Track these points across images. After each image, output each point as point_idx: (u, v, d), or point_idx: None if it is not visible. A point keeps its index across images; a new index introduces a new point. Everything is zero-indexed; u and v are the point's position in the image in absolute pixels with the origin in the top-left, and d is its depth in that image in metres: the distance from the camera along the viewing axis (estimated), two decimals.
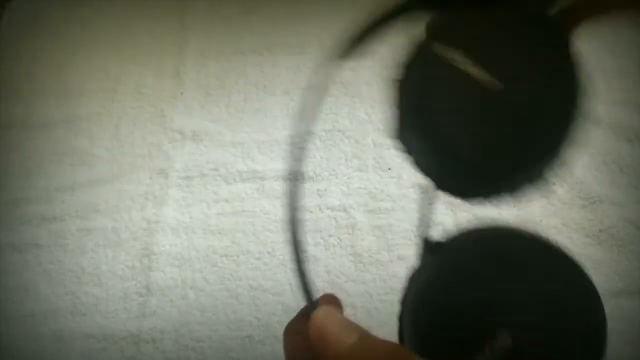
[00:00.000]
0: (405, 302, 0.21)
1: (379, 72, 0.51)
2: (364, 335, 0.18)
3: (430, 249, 0.21)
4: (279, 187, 0.49)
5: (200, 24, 0.70)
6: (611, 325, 0.47)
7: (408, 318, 0.21)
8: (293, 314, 0.46)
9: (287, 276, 0.44)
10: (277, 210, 0.47)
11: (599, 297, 0.20)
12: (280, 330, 0.47)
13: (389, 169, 0.48)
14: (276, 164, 0.50)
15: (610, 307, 0.47)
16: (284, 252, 0.45)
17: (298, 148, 0.22)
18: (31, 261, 0.45)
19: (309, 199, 0.48)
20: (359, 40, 0.21)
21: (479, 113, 0.18)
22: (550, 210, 0.47)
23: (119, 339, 0.42)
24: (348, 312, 0.43)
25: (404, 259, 0.45)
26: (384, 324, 0.43)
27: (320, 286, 0.44)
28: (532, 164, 0.17)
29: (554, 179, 0.53)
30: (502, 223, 0.21)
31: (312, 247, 0.45)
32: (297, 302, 0.46)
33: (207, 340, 0.42)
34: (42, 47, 0.58)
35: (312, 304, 0.21)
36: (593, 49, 0.64)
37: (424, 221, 0.21)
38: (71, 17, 0.60)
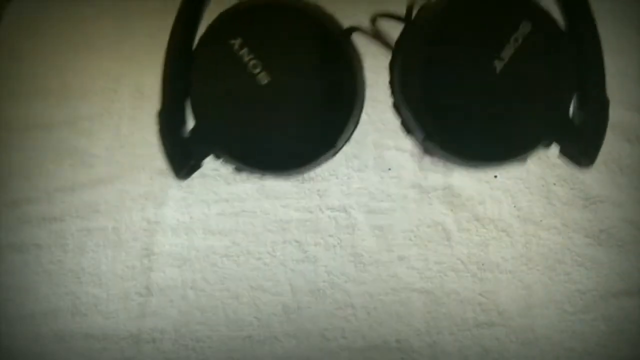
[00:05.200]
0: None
1: (379, 72, 0.51)
2: None
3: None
4: (279, 187, 0.49)
5: (200, 24, 0.70)
6: (611, 325, 0.47)
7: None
8: (293, 314, 0.46)
9: (287, 276, 0.44)
10: (277, 210, 0.47)
11: None
12: (280, 330, 0.47)
13: (389, 169, 0.48)
14: None
15: (610, 307, 0.47)
16: (284, 252, 0.45)
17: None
18: (31, 261, 0.45)
19: (309, 199, 0.48)
20: None
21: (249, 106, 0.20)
22: (550, 210, 0.47)
23: (119, 339, 0.42)
24: (348, 312, 0.43)
25: (404, 259, 0.45)
26: (384, 323, 0.43)
27: (321, 286, 0.44)
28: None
29: (554, 179, 0.53)
30: None
31: (312, 247, 0.45)
32: (297, 302, 0.46)
33: (207, 340, 0.42)
34: (42, 47, 0.58)
35: None
36: None
37: None
38: (71, 17, 0.60)
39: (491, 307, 0.43)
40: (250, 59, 0.20)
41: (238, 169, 0.21)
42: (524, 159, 0.20)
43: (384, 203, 0.47)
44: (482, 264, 0.45)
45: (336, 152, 0.21)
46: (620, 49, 0.62)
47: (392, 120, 0.24)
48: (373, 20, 0.22)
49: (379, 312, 0.43)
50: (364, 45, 0.23)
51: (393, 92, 0.21)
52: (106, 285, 0.44)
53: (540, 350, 0.42)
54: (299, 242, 0.46)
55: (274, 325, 0.42)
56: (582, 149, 0.19)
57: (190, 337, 0.42)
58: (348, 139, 0.22)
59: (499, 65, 0.19)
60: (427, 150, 0.21)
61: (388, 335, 0.42)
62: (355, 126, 0.22)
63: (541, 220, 0.47)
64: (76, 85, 0.55)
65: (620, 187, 0.48)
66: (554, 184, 0.48)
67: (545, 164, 0.50)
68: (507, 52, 0.19)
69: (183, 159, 0.21)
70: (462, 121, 0.19)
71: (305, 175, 0.50)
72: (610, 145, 0.52)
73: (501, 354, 0.42)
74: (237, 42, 0.20)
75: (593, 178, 0.48)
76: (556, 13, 0.20)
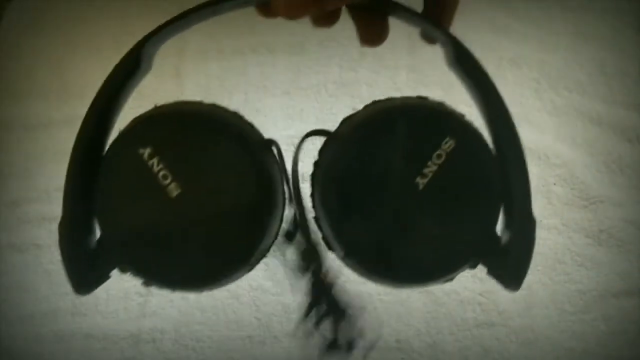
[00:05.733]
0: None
1: (379, 72, 0.51)
2: None
3: None
4: None
5: (200, 24, 0.70)
6: (611, 325, 0.47)
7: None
8: (293, 314, 0.46)
9: (287, 276, 0.44)
10: None
11: None
12: (280, 330, 0.47)
13: None
14: None
15: (610, 307, 0.47)
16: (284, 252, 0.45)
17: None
18: (31, 261, 0.45)
19: (309, 199, 0.48)
20: None
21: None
22: (550, 210, 0.47)
23: (119, 339, 0.42)
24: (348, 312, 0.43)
25: None
26: (384, 323, 0.43)
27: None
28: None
29: (554, 179, 0.53)
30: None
31: None
32: (297, 302, 0.46)
33: (207, 340, 0.42)
34: (42, 46, 0.58)
35: None
36: (594, 49, 0.64)
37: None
38: (71, 16, 0.60)
39: (491, 307, 0.43)
40: (159, 170, 0.18)
41: (146, 284, 0.20)
42: (450, 279, 0.19)
43: None
44: None
45: (251, 269, 0.20)
46: (620, 48, 0.62)
47: None
48: (302, 140, 0.21)
49: (379, 312, 0.43)
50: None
51: (314, 206, 0.20)
52: (106, 285, 0.44)
53: (540, 350, 0.42)
54: (299, 242, 0.46)
55: (274, 325, 0.42)
56: (508, 271, 0.18)
57: (190, 337, 0.42)
58: (264, 255, 0.21)
59: (421, 182, 0.18)
60: (348, 267, 0.20)
61: (388, 335, 0.42)
62: (273, 241, 0.21)
63: (541, 220, 0.46)
64: (76, 85, 0.55)
65: (620, 187, 0.48)
66: (554, 184, 0.48)
67: (545, 164, 0.50)
68: (430, 169, 0.18)
69: (85, 274, 0.19)
70: (385, 239, 0.18)
71: (306, 175, 0.50)
72: (610, 145, 0.52)
73: (501, 354, 0.42)
74: (146, 152, 0.19)
75: (593, 178, 0.48)
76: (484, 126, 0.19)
